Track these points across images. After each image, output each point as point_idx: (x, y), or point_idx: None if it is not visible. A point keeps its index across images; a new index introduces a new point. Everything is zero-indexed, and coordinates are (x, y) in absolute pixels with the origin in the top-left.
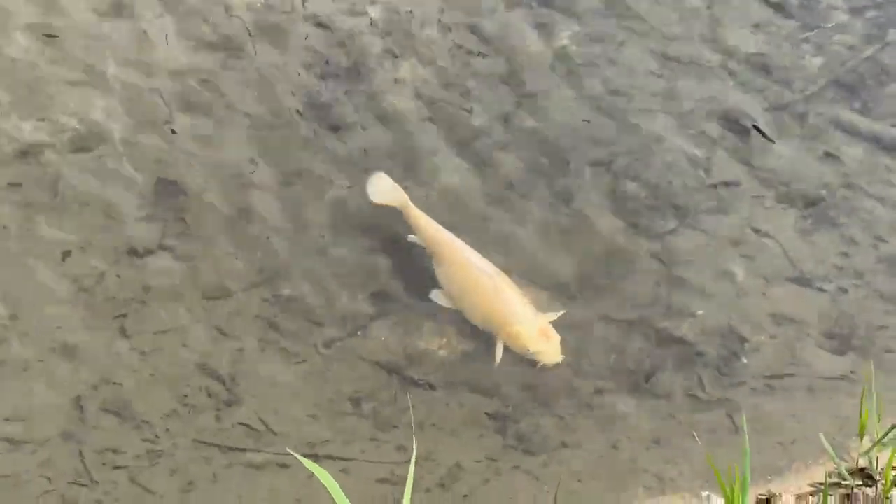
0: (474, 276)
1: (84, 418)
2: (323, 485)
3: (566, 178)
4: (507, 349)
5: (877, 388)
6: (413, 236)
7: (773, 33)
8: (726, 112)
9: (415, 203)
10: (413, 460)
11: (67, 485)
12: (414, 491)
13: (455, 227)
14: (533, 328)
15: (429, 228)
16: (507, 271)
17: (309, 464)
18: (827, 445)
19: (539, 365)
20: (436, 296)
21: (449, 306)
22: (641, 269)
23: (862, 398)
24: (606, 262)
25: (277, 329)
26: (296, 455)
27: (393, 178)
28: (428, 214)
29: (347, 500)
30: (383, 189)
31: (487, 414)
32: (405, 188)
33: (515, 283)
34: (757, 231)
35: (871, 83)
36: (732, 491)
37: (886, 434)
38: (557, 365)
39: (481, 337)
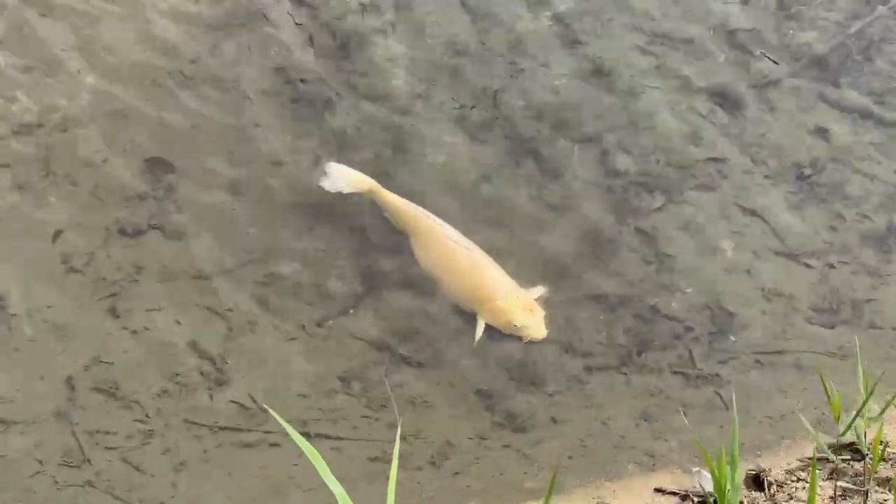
0: (452, 252)
1: (75, 398)
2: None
3: (555, 154)
4: (489, 326)
5: (864, 362)
6: (388, 214)
7: (760, 9)
8: (714, 87)
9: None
10: (398, 439)
11: (59, 465)
12: (404, 469)
13: (443, 205)
14: (516, 302)
15: (401, 208)
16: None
17: (297, 438)
18: (806, 424)
19: (524, 340)
20: None
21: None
22: (630, 246)
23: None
24: (595, 238)
25: (268, 308)
26: (287, 427)
27: (380, 158)
28: (416, 194)
29: (334, 478)
30: (343, 178)
31: (477, 391)
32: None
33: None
34: (745, 207)
35: (858, 58)
36: (720, 468)
37: (863, 406)
38: (542, 340)
39: (469, 314)
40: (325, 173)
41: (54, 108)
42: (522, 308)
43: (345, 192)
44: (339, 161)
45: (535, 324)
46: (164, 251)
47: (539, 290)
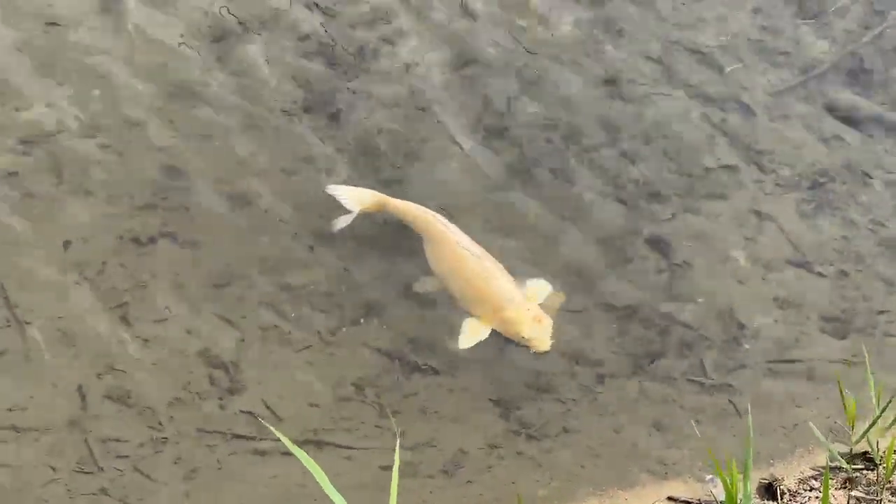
0: (463, 260)
1: (88, 407)
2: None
3: (568, 162)
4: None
5: (877, 371)
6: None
7: (774, 17)
8: (728, 96)
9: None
10: (397, 446)
11: (72, 473)
12: (416, 477)
13: (456, 212)
14: (525, 314)
15: (414, 213)
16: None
17: (295, 449)
18: (817, 433)
19: (532, 350)
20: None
21: (433, 290)
22: (643, 255)
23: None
24: (608, 247)
25: (281, 316)
26: (286, 441)
27: (392, 164)
28: (429, 201)
29: (334, 488)
30: (348, 197)
31: (491, 399)
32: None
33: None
34: (758, 215)
35: (871, 66)
36: (732, 477)
37: (878, 417)
38: (551, 350)
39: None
40: (338, 198)
41: (67, 116)
42: (531, 319)
43: (354, 211)
44: (340, 181)
45: (542, 335)
46: (176, 259)
47: (548, 289)
